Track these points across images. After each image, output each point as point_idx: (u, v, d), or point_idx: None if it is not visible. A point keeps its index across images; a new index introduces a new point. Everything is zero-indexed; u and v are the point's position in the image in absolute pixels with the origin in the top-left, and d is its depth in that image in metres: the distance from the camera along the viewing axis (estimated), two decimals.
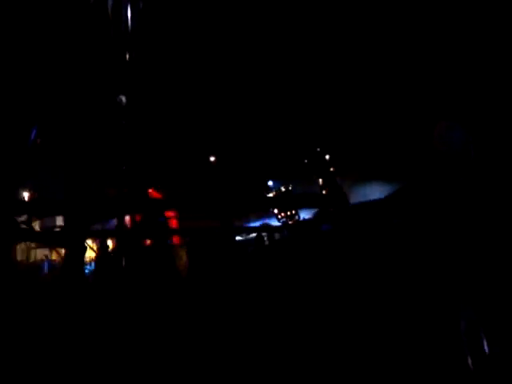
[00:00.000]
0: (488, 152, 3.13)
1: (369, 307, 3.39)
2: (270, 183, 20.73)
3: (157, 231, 6.62)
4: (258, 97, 16.37)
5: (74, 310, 4.76)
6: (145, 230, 6.62)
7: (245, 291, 4.75)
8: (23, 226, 6.91)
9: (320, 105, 16.15)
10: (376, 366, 3.14)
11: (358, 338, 3.35)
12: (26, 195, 14.36)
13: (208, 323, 4.23)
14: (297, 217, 17.38)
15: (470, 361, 2.71)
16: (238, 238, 9.38)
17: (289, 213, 18.42)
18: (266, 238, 7.12)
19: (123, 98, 9.27)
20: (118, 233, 7.09)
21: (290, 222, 17.28)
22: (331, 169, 19.65)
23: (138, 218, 8.44)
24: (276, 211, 17.69)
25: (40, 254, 13.67)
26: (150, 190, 8.09)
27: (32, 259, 14.15)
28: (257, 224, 10.78)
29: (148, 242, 7.04)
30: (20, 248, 12.99)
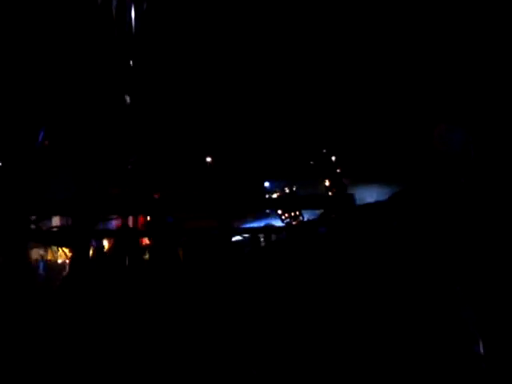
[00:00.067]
0: (488, 152, 3.12)
1: (365, 309, 3.38)
2: (267, 184, 20.75)
3: (166, 231, 6.61)
4: (263, 98, 16.41)
5: (80, 308, 4.79)
6: (154, 231, 6.63)
7: (239, 291, 4.75)
8: (32, 226, 6.95)
9: (322, 106, 16.16)
10: (376, 366, 3.14)
11: (356, 339, 3.35)
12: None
13: (202, 323, 4.24)
14: (301, 217, 17.38)
15: (468, 360, 2.71)
16: (234, 238, 9.40)
17: (293, 214, 18.42)
18: (262, 239, 7.12)
19: (127, 98, 9.31)
20: (123, 233, 7.12)
21: (293, 223, 17.28)
22: (338, 170, 19.65)
23: (142, 218, 8.48)
24: (280, 212, 17.71)
25: (35, 253, 13.52)
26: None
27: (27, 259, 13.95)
28: (261, 224, 10.77)
29: (146, 241, 7.06)
30: None
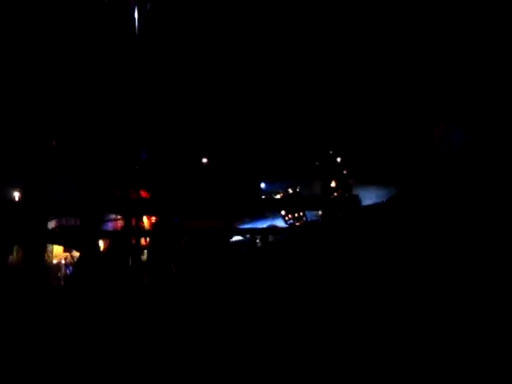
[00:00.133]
0: (488, 153, 3.12)
1: (366, 308, 3.38)
2: (263, 185, 20.72)
3: (172, 232, 6.64)
4: (269, 100, 16.44)
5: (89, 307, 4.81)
6: (161, 231, 6.67)
7: (235, 291, 4.76)
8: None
9: (325, 107, 16.17)
10: (376, 366, 3.13)
11: (353, 340, 3.34)
12: (16, 195, 14.39)
13: (198, 323, 4.25)
14: (304, 218, 17.33)
15: (467, 357, 2.71)
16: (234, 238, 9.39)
17: (296, 214, 18.37)
18: (258, 240, 7.12)
19: (131, 98, 9.32)
20: (128, 233, 7.16)
21: (297, 224, 17.23)
22: (344, 171, 19.61)
23: (147, 219, 8.49)
24: (283, 213, 17.66)
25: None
26: (142, 191, 8.17)
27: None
28: (263, 225, 10.76)
29: (143, 242, 7.08)
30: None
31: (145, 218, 8.75)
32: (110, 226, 9.24)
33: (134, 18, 8.85)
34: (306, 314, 3.78)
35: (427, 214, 3.02)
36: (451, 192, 2.94)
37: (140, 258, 6.53)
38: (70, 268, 13.85)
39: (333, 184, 19.29)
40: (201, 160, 18.38)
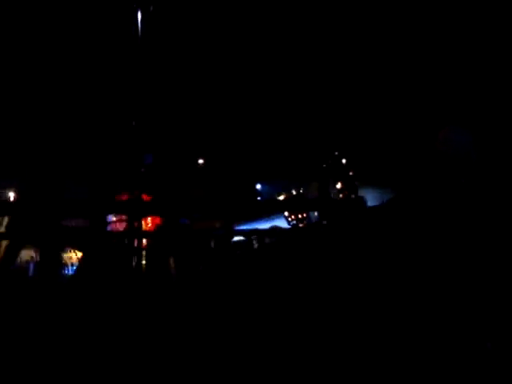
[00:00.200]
0: (489, 154, 3.12)
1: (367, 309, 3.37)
2: (258, 186, 20.73)
3: (181, 233, 6.63)
4: (271, 102, 16.46)
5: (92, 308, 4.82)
6: (169, 232, 6.66)
7: (231, 292, 4.76)
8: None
9: (329, 110, 16.17)
10: (383, 364, 3.13)
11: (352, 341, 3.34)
12: (11, 195, 14.36)
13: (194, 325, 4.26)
14: (307, 220, 17.33)
15: (471, 359, 2.71)
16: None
17: (299, 216, 18.38)
18: (255, 241, 7.13)
19: (133, 101, 9.34)
20: (133, 233, 7.16)
21: (300, 225, 17.23)
22: (350, 173, 19.60)
23: (153, 220, 8.50)
24: (286, 214, 17.67)
25: (25, 255, 13.15)
26: (143, 195, 8.18)
27: (17, 260, 13.59)
28: (265, 226, 10.75)
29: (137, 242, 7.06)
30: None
31: (149, 219, 8.79)
32: (108, 227, 9.28)
33: (137, 21, 8.87)
34: (305, 314, 3.78)
35: (428, 214, 3.02)
36: (451, 193, 2.94)
37: (144, 258, 6.54)
38: (68, 268, 13.81)
39: (338, 185, 19.28)
40: (201, 161, 18.42)
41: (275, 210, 13.61)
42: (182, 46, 12.87)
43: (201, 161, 18.52)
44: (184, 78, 13.70)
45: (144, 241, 7.01)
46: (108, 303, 5.08)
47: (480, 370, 2.65)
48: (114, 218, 9.06)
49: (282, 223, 15.76)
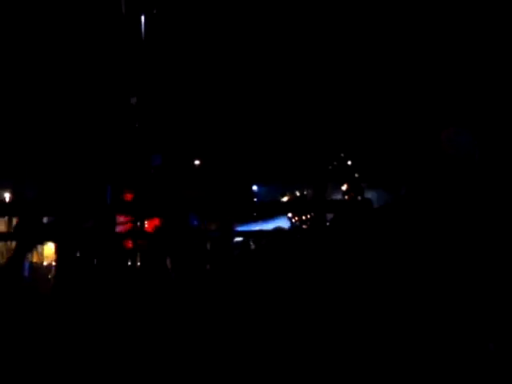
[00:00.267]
0: (492, 156, 3.13)
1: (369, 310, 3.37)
2: (255, 188, 20.72)
3: (191, 235, 6.60)
4: (274, 103, 16.48)
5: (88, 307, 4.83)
6: (176, 234, 6.63)
7: (229, 293, 4.76)
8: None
9: (333, 111, 16.19)
10: (385, 365, 3.13)
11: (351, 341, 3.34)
12: (7, 196, 14.42)
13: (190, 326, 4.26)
14: (311, 221, 17.29)
15: (480, 357, 2.71)
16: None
17: (303, 217, 18.35)
18: (251, 242, 7.14)
19: (133, 99, 9.35)
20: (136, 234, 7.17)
21: (304, 227, 17.21)
22: (356, 175, 19.58)
23: (156, 221, 8.48)
24: (290, 215, 17.65)
25: None
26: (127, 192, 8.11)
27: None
28: (268, 227, 10.74)
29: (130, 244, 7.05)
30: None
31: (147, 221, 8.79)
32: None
33: (141, 23, 8.90)
34: (305, 314, 3.78)
35: (431, 215, 3.02)
36: (455, 194, 2.95)
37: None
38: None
39: (344, 187, 19.24)
40: (197, 161, 18.44)
41: (278, 211, 13.59)
42: (180, 50, 12.90)
43: (197, 161, 18.54)
44: (184, 78, 13.73)
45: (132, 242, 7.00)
46: (107, 303, 5.08)
47: (482, 371, 2.65)
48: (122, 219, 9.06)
49: (285, 224, 15.74)
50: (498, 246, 2.77)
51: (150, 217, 7.59)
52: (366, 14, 13.57)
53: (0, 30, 10.97)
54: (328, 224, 6.37)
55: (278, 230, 10.22)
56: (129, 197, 8.66)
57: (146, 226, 7.47)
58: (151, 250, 6.36)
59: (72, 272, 5.67)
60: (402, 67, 13.96)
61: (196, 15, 12.75)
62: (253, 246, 7.32)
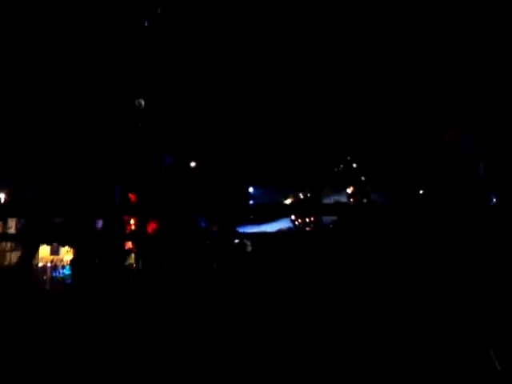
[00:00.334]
0: (494, 158, 3.11)
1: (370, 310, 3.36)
2: (251, 190, 20.70)
3: (198, 237, 6.58)
4: (277, 104, 16.48)
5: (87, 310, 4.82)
6: (184, 236, 6.60)
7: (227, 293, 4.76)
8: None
9: (339, 115, 16.18)
10: (378, 366, 3.11)
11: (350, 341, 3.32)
12: (1, 197, 14.43)
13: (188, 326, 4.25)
14: (314, 223, 17.29)
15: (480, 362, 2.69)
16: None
17: (307, 220, 18.34)
18: (249, 244, 7.13)
19: (142, 102, 9.36)
20: (139, 236, 7.15)
21: (307, 229, 17.20)
22: (362, 178, 19.58)
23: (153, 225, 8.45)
24: (293, 217, 17.64)
25: (15, 256, 13.07)
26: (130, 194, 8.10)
27: (7, 262, 13.66)
28: (267, 229, 10.74)
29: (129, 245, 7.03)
30: None
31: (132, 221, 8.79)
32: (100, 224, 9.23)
33: (145, 23, 8.91)
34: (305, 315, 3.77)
35: (433, 217, 3.01)
36: (457, 196, 2.93)
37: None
38: (59, 271, 13.79)
39: (350, 190, 19.24)
40: (193, 163, 18.45)
41: (281, 213, 13.57)
42: (180, 51, 12.93)
43: (193, 163, 18.55)
44: (184, 79, 13.75)
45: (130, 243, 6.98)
46: (106, 304, 5.08)
47: (482, 376, 2.63)
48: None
49: (286, 226, 15.75)
50: (498, 248, 2.75)
51: (155, 218, 7.57)
52: (371, 17, 13.57)
53: (7, 28, 11.02)
54: (331, 226, 6.36)
55: (282, 232, 10.18)
56: (132, 198, 8.66)
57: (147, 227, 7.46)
58: (151, 251, 6.35)
59: (89, 273, 5.67)
60: (406, 75, 13.97)
61: (203, 21, 12.78)
62: (249, 248, 7.31)
